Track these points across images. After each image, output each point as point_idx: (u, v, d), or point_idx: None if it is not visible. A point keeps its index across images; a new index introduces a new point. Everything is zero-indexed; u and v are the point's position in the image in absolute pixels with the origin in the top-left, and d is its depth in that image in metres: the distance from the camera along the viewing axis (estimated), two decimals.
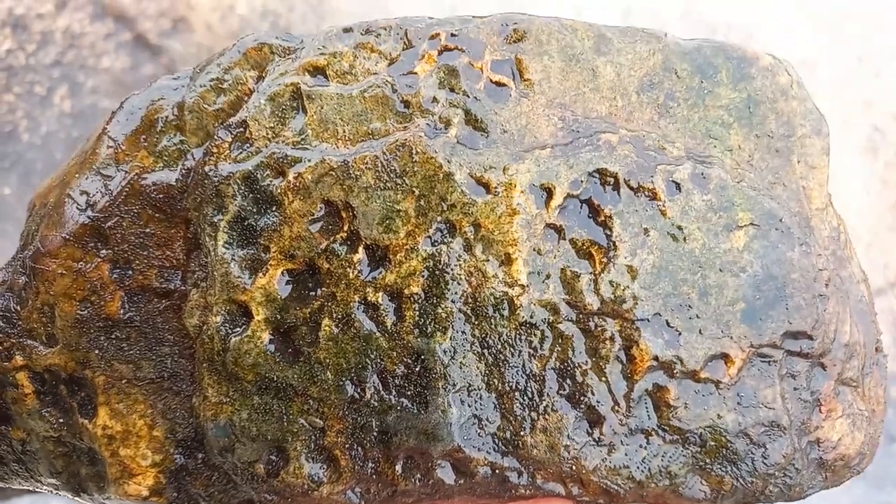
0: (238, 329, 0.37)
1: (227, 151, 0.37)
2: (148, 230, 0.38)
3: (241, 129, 0.37)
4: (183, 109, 0.39)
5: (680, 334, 0.36)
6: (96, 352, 0.38)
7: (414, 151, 0.36)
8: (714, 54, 0.39)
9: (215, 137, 0.38)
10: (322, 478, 0.37)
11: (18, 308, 0.39)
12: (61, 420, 0.39)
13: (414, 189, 0.36)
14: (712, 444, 0.36)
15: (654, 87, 0.38)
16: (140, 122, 0.39)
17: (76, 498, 0.41)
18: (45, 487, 0.41)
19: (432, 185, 0.36)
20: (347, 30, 0.38)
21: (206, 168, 0.37)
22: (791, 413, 0.37)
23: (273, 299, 0.36)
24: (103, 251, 0.38)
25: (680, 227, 0.37)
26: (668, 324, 0.36)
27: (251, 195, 0.37)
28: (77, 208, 0.38)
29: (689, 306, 0.36)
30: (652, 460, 0.36)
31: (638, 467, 0.36)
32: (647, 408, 0.36)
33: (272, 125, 0.37)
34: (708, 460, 0.36)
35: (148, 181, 0.38)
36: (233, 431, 0.37)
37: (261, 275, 0.36)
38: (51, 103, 0.82)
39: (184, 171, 0.38)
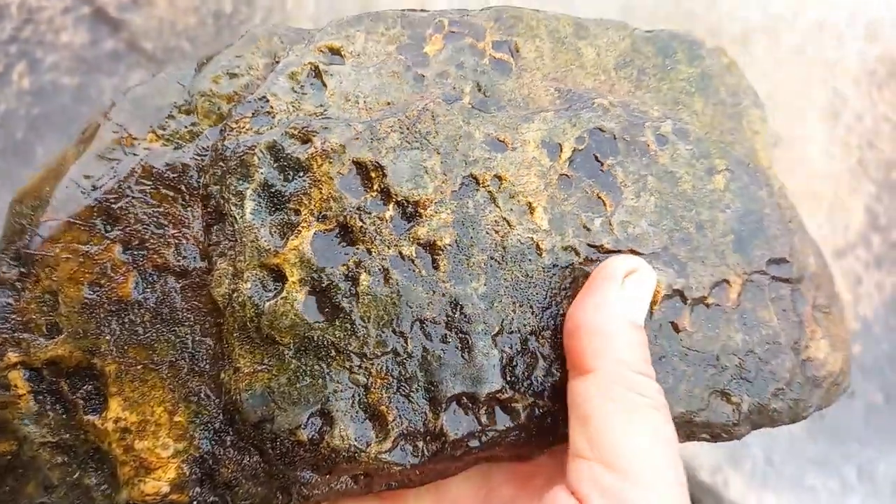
0: (270, 293, 0.36)
1: (248, 125, 0.38)
2: (162, 209, 0.37)
3: (262, 105, 0.38)
4: (193, 94, 0.39)
5: (686, 264, 0.40)
6: (107, 337, 0.36)
7: (435, 114, 0.39)
8: (670, 38, 0.45)
9: (234, 114, 0.38)
10: (369, 437, 0.36)
11: (11, 301, 0.36)
12: (62, 420, 0.36)
13: (438, 149, 0.39)
14: (726, 364, 0.40)
15: (627, 64, 0.44)
16: (147, 108, 0.39)
17: None
18: None
19: (455, 144, 0.39)
20: (357, 18, 0.41)
21: (227, 142, 0.38)
22: (785, 331, 0.41)
23: (307, 260, 0.37)
24: (113, 232, 0.37)
25: (672, 172, 0.41)
26: (675, 256, 0.40)
27: (277, 163, 0.37)
28: (80, 191, 0.37)
29: (691, 239, 0.41)
30: (679, 386, 0.39)
31: (668, 394, 0.38)
32: (667, 335, 0.39)
33: (292, 100, 0.39)
34: (725, 381, 0.40)
35: (160, 162, 0.38)
36: (272, 399, 0.36)
37: (293, 237, 0.37)
38: (9, 80, 0.80)
39: (198, 150, 0.38)
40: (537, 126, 0.40)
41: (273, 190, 0.37)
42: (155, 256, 0.37)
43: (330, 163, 0.37)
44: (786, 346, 0.41)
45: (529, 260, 0.39)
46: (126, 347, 0.36)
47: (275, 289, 0.36)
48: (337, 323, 0.36)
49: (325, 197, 0.37)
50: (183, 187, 0.38)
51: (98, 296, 0.36)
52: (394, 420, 0.36)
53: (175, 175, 0.38)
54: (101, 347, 0.36)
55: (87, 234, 0.37)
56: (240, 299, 0.36)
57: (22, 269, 0.36)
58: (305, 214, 0.37)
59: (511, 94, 0.41)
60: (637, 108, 0.42)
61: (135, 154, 0.38)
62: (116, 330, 0.37)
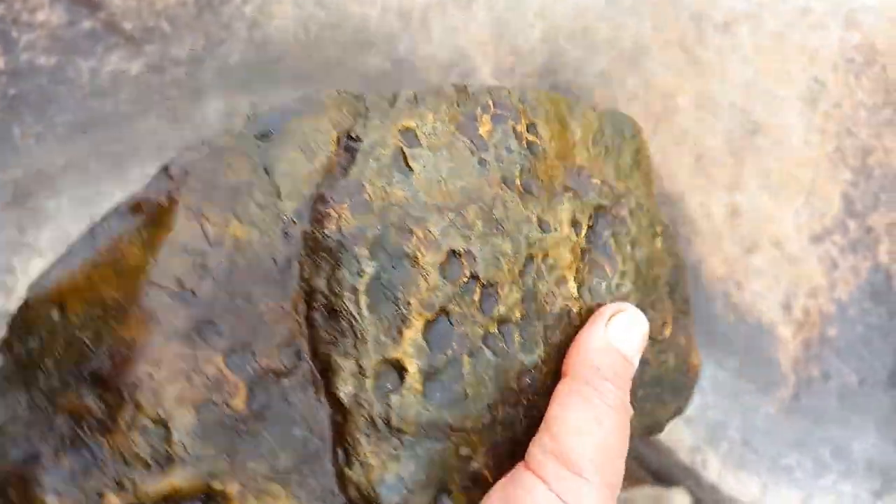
0: (393, 386, 0.37)
1: (348, 213, 0.37)
2: (261, 307, 0.35)
3: (357, 189, 0.37)
4: (272, 174, 0.36)
5: (647, 312, 0.47)
6: (226, 457, 0.33)
7: (505, 201, 0.42)
8: (620, 119, 0.51)
9: (327, 198, 0.37)
10: (476, 501, 0.39)
11: (101, 437, 0.32)
12: None
13: (510, 233, 0.42)
14: (667, 380, 0.49)
15: (598, 142, 0.49)
16: (220, 188, 0.35)
17: None
18: None
19: (520, 229, 0.42)
20: (421, 95, 0.41)
21: (326, 231, 0.36)
22: (687, 350, 0.51)
23: (421, 349, 0.38)
24: (216, 340, 0.34)
25: (638, 239, 0.48)
26: (643, 307, 0.47)
27: (383, 254, 0.37)
28: (170, 297, 0.33)
29: (650, 292, 0.48)
30: (644, 403, 0.48)
31: (640, 410, 0.47)
32: (642, 366, 0.47)
33: (382, 185, 0.38)
34: (665, 393, 0.50)
35: (250, 253, 0.35)
36: (404, 485, 0.37)
37: (406, 328, 0.37)
38: None
39: (286, 237, 0.36)
40: (565, 207, 0.45)
41: (383, 282, 0.37)
42: (263, 360, 0.35)
43: (432, 252, 0.38)
44: (687, 359, 0.51)
45: (567, 323, 0.44)
46: (246, 462, 0.34)
47: (396, 381, 0.37)
48: (452, 406, 0.38)
49: (430, 286, 0.38)
50: (277, 279, 0.36)
51: (212, 414, 0.33)
52: (491, 482, 0.39)
53: (268, 267, 0.35)
54: (221, 470, 0.34)
55: (191, 348, 0.33)
56: (366, 396, 0.36)
57: (106, 397, 0.32)
58: (415, 304, 0.37)
59: (542, 175, 0.44)
60: (611, 182, 0.48)
61: (222, 245, 0.34)
62: (236, 447, 0.34)
